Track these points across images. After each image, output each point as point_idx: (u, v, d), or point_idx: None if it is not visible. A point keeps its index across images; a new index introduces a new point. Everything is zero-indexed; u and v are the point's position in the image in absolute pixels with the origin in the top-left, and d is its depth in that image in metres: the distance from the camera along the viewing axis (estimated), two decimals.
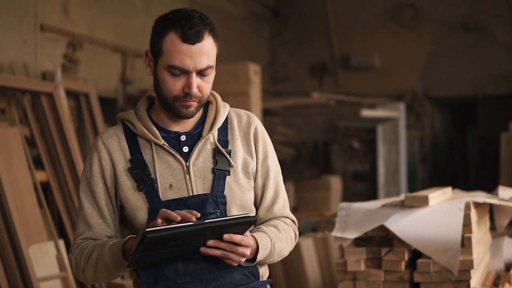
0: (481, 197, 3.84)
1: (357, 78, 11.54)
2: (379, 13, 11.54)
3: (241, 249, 2.31)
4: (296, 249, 6.89)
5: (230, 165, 2.53)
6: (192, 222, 2.23)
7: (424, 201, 3.48)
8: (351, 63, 11.55)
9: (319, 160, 11.51)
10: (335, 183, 9.82)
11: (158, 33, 2.46)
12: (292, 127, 11.53)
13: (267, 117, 10.53)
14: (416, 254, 3.54)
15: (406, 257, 3.47)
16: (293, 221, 2.70)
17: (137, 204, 2.49)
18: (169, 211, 2.31)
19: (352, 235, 3.53)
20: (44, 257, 5.55)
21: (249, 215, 2.29)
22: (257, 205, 2.65)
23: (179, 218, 2.27)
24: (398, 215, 3.49)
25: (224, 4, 10.52)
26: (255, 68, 7.52)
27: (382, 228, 3.50)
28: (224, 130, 2.61)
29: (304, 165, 11.52)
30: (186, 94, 2.45)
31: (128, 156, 2.54)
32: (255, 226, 2.59)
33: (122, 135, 2.58)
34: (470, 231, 3.42)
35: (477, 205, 3.76)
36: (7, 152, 5.53)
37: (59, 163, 6.12)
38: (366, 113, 10.23)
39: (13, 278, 5.09)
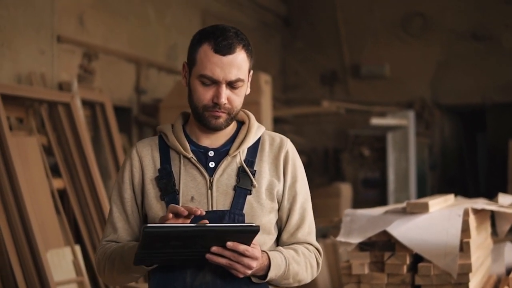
0: (481, 203, 3.99)
1: (367, 86, 11.68)
2: (389, 22, 11.67)
3: (246, 260, 2.29)
4: None
5: (252, 184, 2.52)
6: (193, 224, 2.24)
7: (424, 208, 3.64)
8: (361, 71, 11.70)
9: (330, 167, 11.64)
10: (345, 190, 9.95)
11: (194, 44, 2.51)
12: (303, 135, 11.65)
13: (278, 125, 10.66)
14: (417, 258, 3.69)
15: (408, 261, 3.62)
16: (317, 249, 2.64)
17: (159, 213, 2.53)
18: (177, 205, 2.35)
19: (356, 240, 3.68)
20: (61, 262, 5.68)
21: (252, 224, 2.27)
22: (281, 228, 2.61)
23: (186, 212, 2.31)
24: (400, 221, 3.65)
25: (236, 14, 10.68)
26: (266, 78, 7.67)
27: (385, 233, 3.64)
28: (254, 151, 2.60)
29: (315, 172, 11.63)
30: (215, 104, 2.46)
31: (158, 166, 2.58)
32: (278, 245, 2.59)
33: (156, 146, 2.63)
34: (469, 236, 3.57)
35: (477, 211, 3.91)
36: (26, 160, 5.65)
37: (75, 170, 6.25)
38: (376, 121, 10.36)
39: (32, 282, 5.22)
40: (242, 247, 2.27)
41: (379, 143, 11.18)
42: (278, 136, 2.66)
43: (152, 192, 2.56)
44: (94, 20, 7.45)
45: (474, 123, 12.38)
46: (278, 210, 2.59)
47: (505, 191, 8.39)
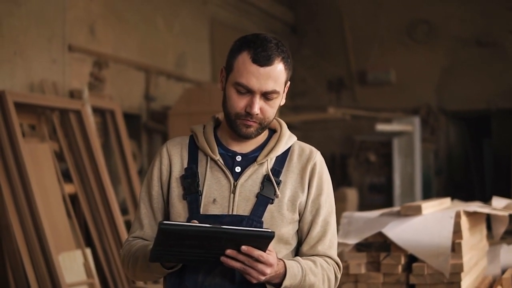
0: (473, 206, 4.14)
1: (374, 92, 11.79)
2: (394, 29, 11.78)
3: (260, 266, 2.26)
4: None
5: (275, 194, 2.50)
6: (209, 225, 2.22)
7: (417, 210, 3.80)
8: (368, 78, 11.81)
9: (337, 172, 11.72)
10: (351, 195, 10.08)
11: (234, 50, 2.49)
12: (311, 141, 11.62)
13: None
14: (411, 258, 3.83)
15: (403, 261, 3.77)
16: (337, 263, 2.59)
17: (180, 212, 2.53)
18: (197, 223, 2.29)
19: (353, 241, 3.84)
20: (73, 264, 5.79)
21: (267, 229, 2.24)
22: (302, 240, 2.58)
23: None
24: (395, 222, 3.81)
25: (243, 22, 10.82)
26: None
27: (381, 234, 3.80)
28: (282, 160, 2.57)
29: None
30: (248, 113, 2.45)
31: (185, 165, 2.58)
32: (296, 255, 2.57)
33: (186, 145, 2.62)
34: (461, 237, 3.73)
35: (470, 214, 4.06)
36: (38, 166, 5.80)
37: (86, 176, 6.37)
38: (381, 127, 10.48)
39: (44, 284, 5.36)
40: (256, 253, 2.25)
41: (385, 148, 11.28)
42: (308, 148, 2.62)
43: (176, 190, 2.56)
44: (104, 30, 7.60)
45: (480, 129, 12.46)
46: (300, 221, 2.55)
47: (509, 195, 8.50)
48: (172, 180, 2.58)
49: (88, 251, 6.03)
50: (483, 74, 11.21)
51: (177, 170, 2.59)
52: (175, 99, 8.36)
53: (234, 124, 2.49)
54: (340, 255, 3.91)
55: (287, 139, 2.60)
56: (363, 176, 11.50)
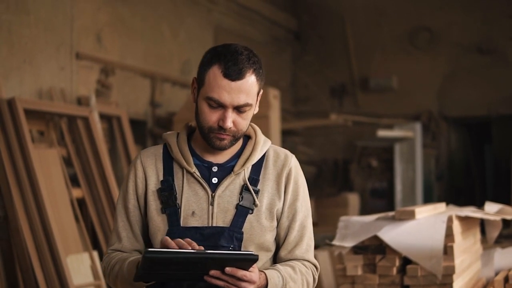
0: (466, 211, 4.29)
1: (376, 99, 11.86)
2: (396, 36, 11.85)
3: (244, 284, 2.27)
4: None
5: (254, 204, 2.50)
6: (194, 250, 2.23)
7: (411, 215, 3.96)
8: (370, 84, 11.87)
9: (339, 177, 11.80)
10: (353, 200, 10.18)
11: (204, 63, 2.46)
12: (313, 146, 11.82)
13: (289, 137, 10.88)
14: (406, 261, 3.96)
15: (397, 263, 3.91)
16: (314, 266, 2.61)
17: (159, 226, 2.51)
18: (169, 240, 2.30)
19: (350, 243, 3.98)
20: (80, 267, 5.90)
21: (251, 252, 2.25)
22: (279, 245, 2.60)
23: (176, 248, 2.28)
24: (390, 226, 3.95)
25: (247, 29, 10.94)
26: (275, 93, 7.94)
27: (376, 238, 3.93)
28: (258, 167, 2.57)
29: (325, 182, 11.80)
30: (220, 127, 2.43)
31: (161, 177, 2.55)
32: (276, 262, 2.60)
33: (160, 156, 2.59)
34: (453, 241, 3.88)
35: (463, 218, 4.21)
36: (47, 171, 5.93)
37: (93, 181, 6.49)
38: (383, 133, 10.59)
39: (53, 285, 5.48)
40: (240, 273, 2.25)
41: (387, 154, 11.35)
42: (283, 153, 2.63)
43: (153, 204, 2.54)
44: (111, 38, 7.71)
45: (480, 135, 12.51)
46: (277, 227, 2.57)
47: (510, 200, 8.61)
48: (149, 193, 2.55)
49: (95, 254, 6.13)
50: (484, 81, 11.27)
51: (153, 183, 2.56)
52: (180, 105, 8.46)
53: (208, 137, 2.48)
54: (338, 257, 4.07)
55: (262, 145, 2.59)
56: (365, 181, 11.57)
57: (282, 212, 2.57)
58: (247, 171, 2.55)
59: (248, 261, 2.25)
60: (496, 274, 4.70)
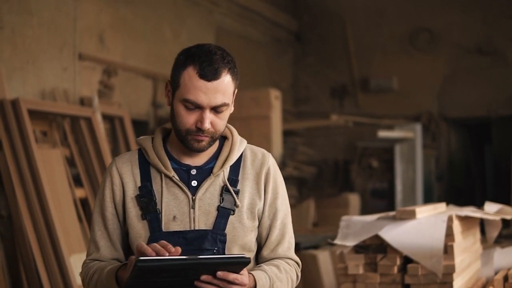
0: (465, 211, 4.34)
1: (376, 99, 11.91)
2: (397, 37, 11.90)
3: (235, 287, 2.26)
4: (314, 262, 7.34)
5: (235, 204, 2.49)
6: (185, 256, 2.19)
7: (412, 214, 4.01)
8: (370, 85, 11.92)
9: (340, 178, 11.84)
10: (354, 200, 10.22)
11: (178, 66, 2.43)
12: (314, 147, 11.85)
13: (290, 137, 10.92)
14: (406, 260, 4.00)
15: (398, 262, 3.95)
16: (297, 263, 2.64)
17: (140, 232, 2.48)
18: (144, 246, 2.26)
19: (352, 243, 4.02)
20: None
21: (243, 255, 2.24)
22: (261, 244, 2.60)
23: (154, 254, 2.24)
24: (391, 226, 4.00)
25: (249, 30, 10.98)
26: (276, 93, 8.00)
27: (378, 237, 3.98)
28: (236, 168, 2.56)
29: (325, 183, 11.84)
30: (198, 129, 2.41)
31: (139, 183, 2.51)
32: (257, 263, 2.59)
33: (136, 161, 2.55)
34: (453, 240, 3.92)
35: (463, 218, 4.25)
36: (50, 171, 5.95)
37: (96, 181, 6.51)
38: (383, 133, 10.63)
39: (56, 284, 5.51)
40: (232, 276, 2.24)
41: (387, 154, 11.39)
42: (260, 152, 2.62)
43: (133, 210, 2.50)
44: (113, 39, 7.76)
45: (480, 135, 12.55)
46: (258, 226, 2.57)
47: (509, 200, 8.64)
48: (127, 200, 2.51)
49: None
50: (484, 82, 11.31)
51: (131, 190, 2.52)
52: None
53: (185, 140, 2.45)
54: (339, 256, 4.12)
55: (239, 146, 2.58)
56: (366, 181, 11.60)
57: (263, 211, 2.57)
58: (226, 172, 2.53)
59: (240, 264, 2.25)
60: (496, 273, 4.73)
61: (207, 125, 2.41)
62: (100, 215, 2.56)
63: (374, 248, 4.03)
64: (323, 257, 7.52)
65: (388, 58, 11.93)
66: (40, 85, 6.65)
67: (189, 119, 2.41)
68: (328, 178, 11.90)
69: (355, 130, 11.38)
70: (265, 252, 2.59)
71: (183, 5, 9.19)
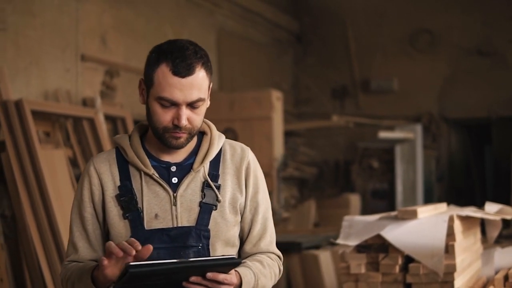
0: (466, 211, 4.38)
1: (377, 100, 11.97)
2: (397, 39, 11.96)
3: (224, 287, 2.26)
4: (315, 262, 7.39)
5: (217, 199, 2.47)
6: (177, 260, 2.18)
7: (413, 214, 4.04)
8: (371, 86, 11.98)
9: (340, 179, 11.89)
10: (354, 200, 10.27)
11: (151, 63, 2.41)
12: (315, 147, 11.89)
13: (291, 138, 10.96)
14: (408, 259, 4.03)
15: (400, 262, 3.98)
16: (278, 256, 2.63)
17: (122, 232, 2.44)
18: (112, 244, 2.24)
19: (354, 242, 4.06)
20: None
21: (234, 257, 2.26)
22: (244, 239, 2.58)
23: (121, 254, 2.23)
24: (393, 226, 4.03)
25: (250, 31, 11.02)
26: (278, 94, 8.04)
27: (379, 237, 4.01)
28: (216, 163, 2.54)
29: (326, 183, 11.89)
30: (176, 126, 2.38)
31: (118, 182, 2.48)
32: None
33: (114, 161, 2.52)
34: (454, 240, 3.95)
35: (464, 218, 4.29)
36: (53, 171, 5.97)
37: None
38: (384, 134, 10.68)
39: (60, 284, 5.55)
40: (221, 277, 2.24)
41: (388, 155, 11.43)
42: (239, 146, 2.60)
43: (114, 210, 2.47)
44: (115, 40, 7.80)
45: (481, 136, 12.61)
46: (240, 221, 2.56)
47: (509, 201, 8.68)
48: (107, 200, 2.48)
49: None
50: (484, 83, 11.36)
51: (110, 189, 2.49)
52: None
53: (163, 137, 2.42)
54: (341, 256, 4.16)
55: (218, 140, 2.55)
56: (366, 182, 11.64)
57: (245, 206, 2.55)
58: (206, 167, 2.51)
59: (232, 265, 2.26)
60: (496, 273, 4.77)
61: (184, 121, 2.38)
62: (78, 216, 2.53)
63: (376, 247, 4.05)
64: (324, 257, 7.57)
65: (388, 59, 11.98)
66: (43, 86, 6.68)
67: (165, 116, 2.39)
68: (328, 179, 11.94)
69: (356, 130, 11.42)
70: (248, 247, 2.58)
71: (184, 6, 9.24)
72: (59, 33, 6.94)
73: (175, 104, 2.37)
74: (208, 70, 2.43)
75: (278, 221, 9.08)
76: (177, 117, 2.38)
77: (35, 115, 6.06)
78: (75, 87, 7.10)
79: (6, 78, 5.97)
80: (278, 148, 8.63)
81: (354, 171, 11.70)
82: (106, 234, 2.52)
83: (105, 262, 2.25)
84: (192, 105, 2.39)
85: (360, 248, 4.09)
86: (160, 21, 8.73)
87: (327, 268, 7.57)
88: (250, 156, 2.59)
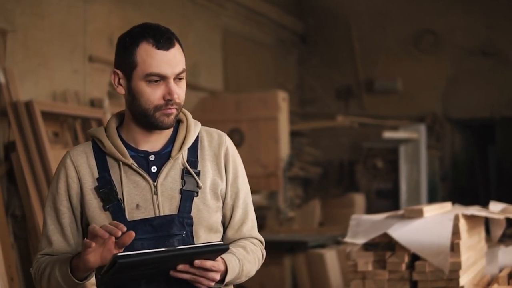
0: (471, 210, 4.45)
1: (381, 101, 12.00)
2: (401, 39, 12.00)
3: (211, 274, 2.27)
4: (321, 260, 7.45)
5: (198, 186, 2.46)
6: (165, 248, 2.18)
7: (419, 213, 4.12)
8: (375, 86, 12.02)
9: (345, 178, 11.93)
10: (359, 200, 10.32)
11: (127, 47, 2.41)
12: (319, 147, 11.93)
13: (296, 138, 10.99)
14: (414, 257, 4.10)
15: (406, 259, 4.05)
16: (260, 241, 2.63)
17: (103, 223, 2.35)
18: (97, 228, 2.24)
19: (361, 241, 4.13)
20: None
21: (221, 243, 2.27)
22: (225, 225, 2.57)
23: (106, 235, 2.23)
24: (399, 224, 4.10)
25: (255, 32, 11.06)
26: (283, 95, 8.10)
27: (386, 235, 4.07)
28: (194, 150, 2.52)
29: (331, 183, 11.93)
30: (168, 100, 2.39)
31: (96, 174, 2.45)
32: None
33: (91, 152, 2.48)
34: (459, 238, 4.02)
35: (468, 217, 4.36)
36: None
37: None
38: (388, 134, 10.72)
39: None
40: (209, 264, 2.25)
41: (392, 155, 11.45)
42: (215, 132, 2.60)
43: (93, 202, 2.44)
44: None
45: (484, 136, 12.65)
46: (222, 207, 2.55)
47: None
48: (86, 192, 2.45)
49: None
50: (487, 83, 11.39)
51: (89, 181, 2.46)
52: (190, 107, 8.55)
53: (153, 118, 2.41)
54: (348, 254, 4.23)
55: (195, 127, 2.54)
56: (371, 182, 11.67)
57: (226, 191, 2.54)
58: (184, 154, 2.50)
59: (220, 251, 2.26)
60: (500, 271, 4.83)
61: (176, 94, 2.40)
62: (53, 209, 2.49)
63: (383, 246, 4.12)
64: (330, 256, 7.64)
65: (392, 59, 12.01)
66: (51, 87, 6.73)
67: (155, 94, 2.39)
68: (333, 179, 11.98)
69: (360, 131, 11.45)
70: (230, 233, 2.58)
71: (190, 8, 9.29)
72: (67, 34, 6.99)
73: (163, 78, 2.39)
74: (181, 45, 2.48)
75: (284, 221, 9.14)
76: (169, 91, 2.39)
77: (44, 115, 6.11)
78: (83, 88, 7.15)
79: (16, 80, 6.03)
80: (284, 148, 8.69)
81: (358, 171, 11.73)
82: (85, 227, 2.48)
83: (92, 244, 2.24)
84: (178, 77, 2.42)
85: (367, 246, 4.15)
86: (166, 23, 8.54)
87: (332, 267, 7.63)
88: (228, 142, 2.59)
